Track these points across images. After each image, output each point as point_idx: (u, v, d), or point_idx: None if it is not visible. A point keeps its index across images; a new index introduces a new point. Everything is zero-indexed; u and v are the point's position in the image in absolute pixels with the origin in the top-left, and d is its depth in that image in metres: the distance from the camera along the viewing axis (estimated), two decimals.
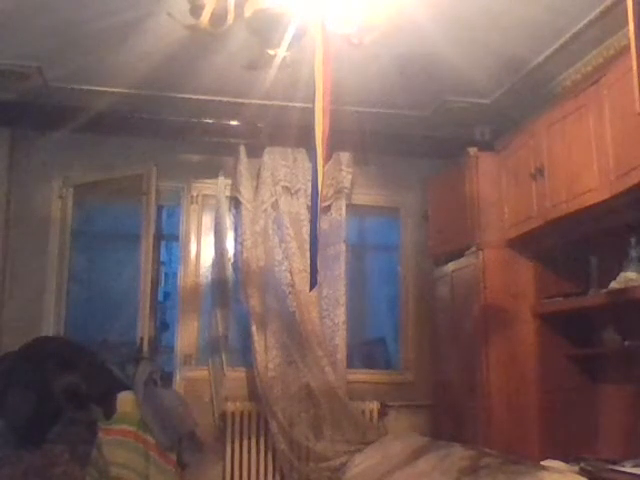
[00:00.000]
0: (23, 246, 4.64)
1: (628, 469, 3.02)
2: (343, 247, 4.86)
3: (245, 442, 4.59)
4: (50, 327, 4.58)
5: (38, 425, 3.90)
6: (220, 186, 4.84)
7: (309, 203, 4.42)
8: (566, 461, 3.26)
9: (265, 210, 4.78)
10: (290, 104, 4.36)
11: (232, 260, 4.81)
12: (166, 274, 6.42)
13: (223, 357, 4.68)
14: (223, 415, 4.60)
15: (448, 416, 4.46)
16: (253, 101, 4.47)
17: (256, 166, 4.84)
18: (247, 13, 2.42)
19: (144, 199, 4.66)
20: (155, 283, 4.76)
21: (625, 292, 3.22)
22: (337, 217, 4.90)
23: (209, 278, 4.84)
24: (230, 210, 4.89)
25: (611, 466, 3.10)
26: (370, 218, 5.49)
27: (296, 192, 4.83)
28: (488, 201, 4.17)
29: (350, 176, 4.94)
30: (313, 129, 2.39)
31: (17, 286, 4.58)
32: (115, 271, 5.01)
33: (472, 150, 4.36)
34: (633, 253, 3.31)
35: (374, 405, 4.77)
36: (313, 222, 2.64)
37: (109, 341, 4.65)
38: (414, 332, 5.05)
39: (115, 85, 4.29)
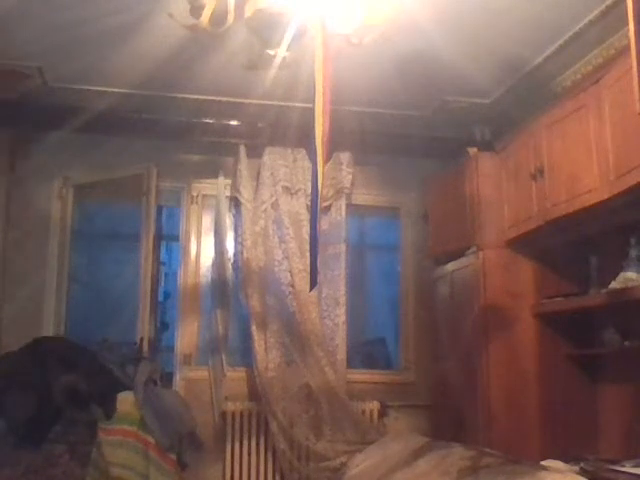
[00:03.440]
0: (23, 246, 4.64)
1: (628, 469, 3.01)
2: (343, 247, 4.86)
3: (245, 442, 4.59)
4: (50, 327, 4.59)
5: (38, 425, 3.90)
6: (220, 186, 4.84)
7: (309, 203, 4.42)
8: (566, 461, 3.25)
9: (265, 210, 4.78)
10: (290, 104, 4.37)
11: (232, 260, 4.81)
12: (166, 274, 6.39)
13: (223, 357, 4.67)
14: (223, 415, 4.60)
15: (448, 416, 4.46)
16: (253, 101, 4.48)
17: (256, 166, 4.84)
18: (247, 13, 2.42)
19: (144, 199, 4.67)
20: (155, 283, 4.76)
21: (625, 292, 3.22)
22: (337, 217, 4.90)
23: (209, 278, 4.84)
24: (230, 210, 4.89)
25: (611, 466, 3.09)
26: (370, 218, 5.49)
27: (296, 192, 4.83)
28: (488, 201, 4.16)
29: (350, 176, 4.94)
30: (313, 129, 2.39)
31: (17, 286, 4.58)
32: (115, 271, 5.01)
33: (472, 150, 4.36)
34: (633, 253, 3.31)
35: (374, 405, 4.77)
36: (313, 222, 2.64)
37: (109, 341, 4.65)
38: (414, 332, 5.05)
39: (115, 85, 4.30)
